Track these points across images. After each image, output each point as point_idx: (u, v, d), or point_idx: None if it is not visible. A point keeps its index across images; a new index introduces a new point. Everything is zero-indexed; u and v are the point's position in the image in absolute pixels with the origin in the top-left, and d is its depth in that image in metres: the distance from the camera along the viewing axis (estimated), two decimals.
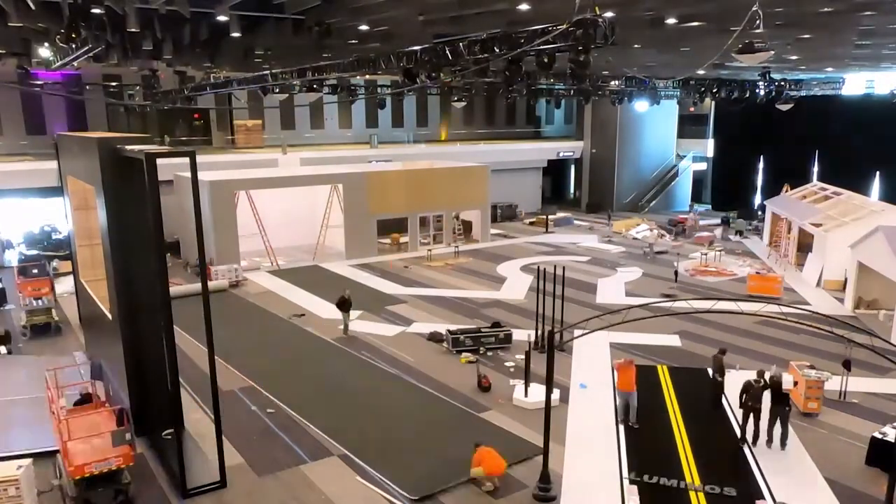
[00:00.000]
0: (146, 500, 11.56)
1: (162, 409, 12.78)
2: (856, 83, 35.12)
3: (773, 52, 13.80)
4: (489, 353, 18.26)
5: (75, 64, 22.19)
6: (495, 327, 19.39)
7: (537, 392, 15.05)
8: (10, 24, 13.83)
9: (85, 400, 13.39)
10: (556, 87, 32.97)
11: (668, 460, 12.72)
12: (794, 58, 24.55)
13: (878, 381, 16.44)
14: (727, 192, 41.38)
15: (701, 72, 28.84)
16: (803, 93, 31.19)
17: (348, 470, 12.41)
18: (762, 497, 11.39)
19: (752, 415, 13.14)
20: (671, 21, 15.74)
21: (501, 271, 28.08)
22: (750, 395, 13.06)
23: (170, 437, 12.46)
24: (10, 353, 18.89)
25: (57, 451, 12.00)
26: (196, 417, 14.34)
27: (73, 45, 15.49)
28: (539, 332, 17.99)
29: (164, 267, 11.99)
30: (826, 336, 17.62)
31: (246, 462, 12.74)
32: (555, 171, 48.43)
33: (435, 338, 19.45)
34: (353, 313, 20.86)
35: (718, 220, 38.08)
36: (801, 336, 19.02)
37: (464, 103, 35.62)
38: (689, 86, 31.47)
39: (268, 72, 24.50)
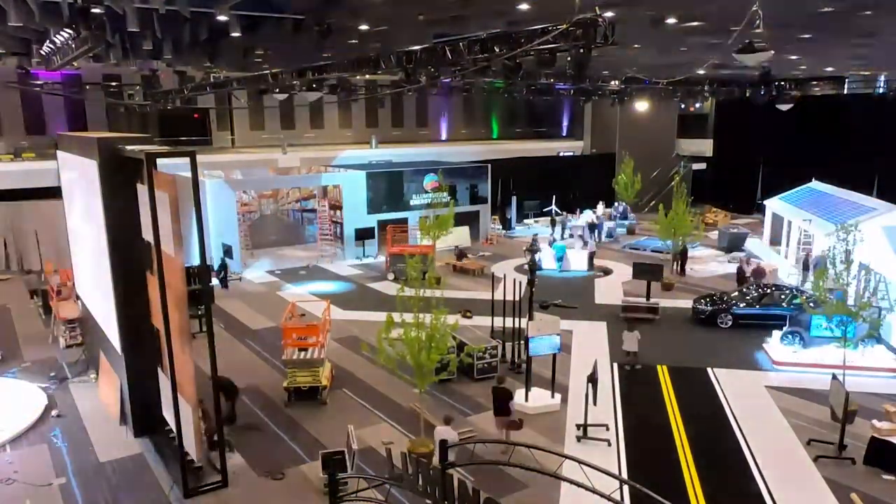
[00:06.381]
0: (146, 500, 11.58)
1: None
2: (856, 83, 35.02)
3: (773, 52, 13.80)
4: None
5: (75, 64, 22.16)
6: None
7: (538, 397, 15.02)
8: (9, 23, 13.80)
9: None
10: (557, 86, 32.93)
11: (668, 462, 12.75)
12: (794, 58, 24.54)
13: (877, 381, 16.48)
14: (727, 191, 41.40)
15: (701, 71, 28.81)
16: (803, 93, 31.15)
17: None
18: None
19: None
20: (671, 21, 15.73)
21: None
22: None
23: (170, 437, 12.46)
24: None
25: None
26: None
27: (73, 45, 15.44)
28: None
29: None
30: None
31: (246, 462, 12.75)
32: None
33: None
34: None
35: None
36: None
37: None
38: (689, 85, 31.41)
39: (268, 72, 24.49)
